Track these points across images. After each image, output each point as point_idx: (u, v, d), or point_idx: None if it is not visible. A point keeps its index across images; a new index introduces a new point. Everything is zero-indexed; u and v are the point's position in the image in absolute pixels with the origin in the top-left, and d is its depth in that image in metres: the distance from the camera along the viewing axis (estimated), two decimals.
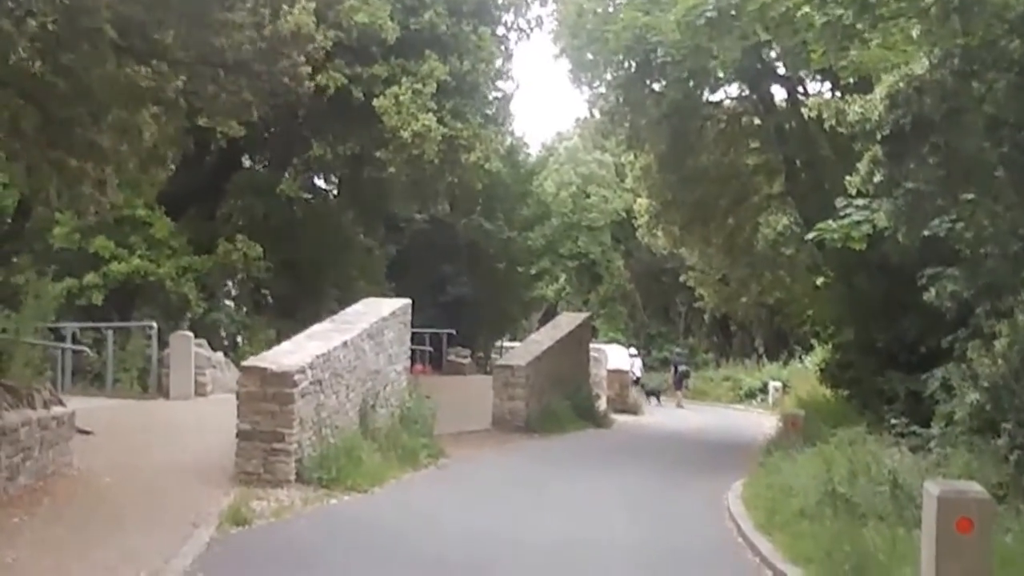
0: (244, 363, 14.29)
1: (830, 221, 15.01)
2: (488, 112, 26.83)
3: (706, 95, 29.64)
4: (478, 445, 21.37)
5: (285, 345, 15.65)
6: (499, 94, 27.78)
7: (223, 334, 25.74)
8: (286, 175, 25.72)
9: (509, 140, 39.65)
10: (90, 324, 22.39)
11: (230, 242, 25.15)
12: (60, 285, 23.08)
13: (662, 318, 58.35)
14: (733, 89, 29.76)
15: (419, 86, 23.19)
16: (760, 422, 32.30)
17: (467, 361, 36.41)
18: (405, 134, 22.76)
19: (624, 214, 52.91)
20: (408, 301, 20.53)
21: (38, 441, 12.33)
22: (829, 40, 12.93)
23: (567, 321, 30.84)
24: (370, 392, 17.36)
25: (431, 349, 33.55)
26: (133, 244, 24.15)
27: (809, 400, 27.39)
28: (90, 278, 23.39)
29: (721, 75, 27.17)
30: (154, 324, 21.79)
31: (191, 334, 21.49)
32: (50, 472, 12.65)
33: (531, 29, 27.47)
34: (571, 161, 56.51)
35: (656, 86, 28.20)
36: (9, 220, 23.22)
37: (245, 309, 28.32)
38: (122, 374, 21.91)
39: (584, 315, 34.42)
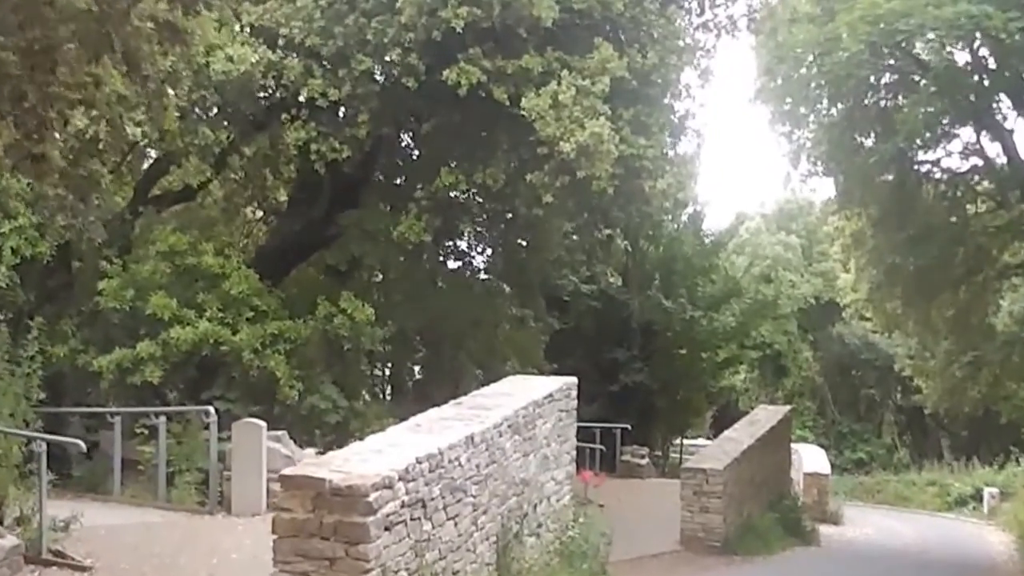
0: (287, 471, 8.84)
1: None
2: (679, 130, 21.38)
3: (925, 155, 28.30)
4: None
5: (370, 441, 10.28)
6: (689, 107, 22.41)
7: (331, 422, 20.73)
8: (405, 214, 20.51)
9: (691, 206, 35.61)
10: (120, 409, 18.10)
11: (332, 302, 20.00)
12: (108, 357, 19.05)
13: (853, 415, 56.03)
14: (955, 144, 28.12)
15: (586, 83, 17.73)
16: (981, 535, 30.41)
17: (644, 462, 32.75)
18: (567, 147, 17.53)
19: (813, 300, 54.07)
20: (573, 380, 15.77)
21: None
22: None
23: (766, 416, 27.53)
24: (514, 514, 12.38)
25: (602, 448, 28.46)
26: (203, 303, 19.39)
27: None
28: (144, 347, 18.82)
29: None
30: (211, 409, 16.65)
31: (262, 423, 16.20)
32: None
33: (733, 26, 22.04)
34: (754, 244, 55.77)
35: (868, 141, 26.97)
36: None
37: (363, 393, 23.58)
38: (179, 477, 17.06)
39: (785, 408, 30.82)
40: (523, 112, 18.12)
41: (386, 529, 8.67)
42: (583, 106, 17.79)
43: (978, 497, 38.96)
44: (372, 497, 8.40)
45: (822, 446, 41.79)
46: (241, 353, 19.19)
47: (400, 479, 8.99)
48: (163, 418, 17.05)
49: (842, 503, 34.53)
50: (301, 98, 19.28)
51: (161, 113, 12.20)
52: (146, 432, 17.71)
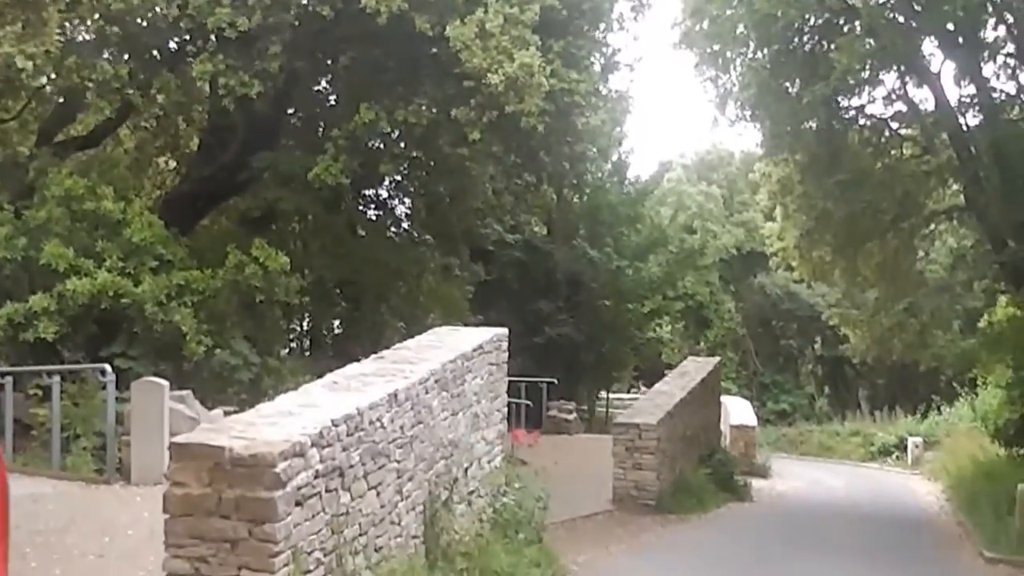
0: (178, 438, 7.50)
1: None
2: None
3: (849, 101, 28.16)
4: (603, 541, 16.44)
5: (280, 402, 8.97)
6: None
7: (243, 380, 19.29)
8: (322, 156, 19.02)
9: (616, 153, 34.64)
10: (8, 369, 16.33)
11: (243, 250, 18.52)
12: None
13: (775, 366, 56.53)
14: (879, 91, 28.14)
15: (514, 11, 16.44)
16: (908, 485, 30.80)
17: (572, 417, 32.25)
18: (494, 79, 16.37)
19: (735, 251, 54.04)
20: (503, 331, 14.37)
21: None
22: None
23: (696, 368, 26.81)
24: (442, 479, 11.07)
25: (528, 403, 27.38)
26: (102, 252, 17.78)
27: (986, 460, 24.62)
28: (37, 300, 17.19)
29: None
30: (107, 367, 15.16)
31: (164, 382, 14.73)
32: None
33: None
34: (677, 193, 55.38)
35: (793, 88, 26.71)
36: None
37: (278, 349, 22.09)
38: (75, 442, 15.51)
39: (714, 360, 30.22)
40: (448, 43, 16.80)
41: (297, 504, 7.39)
42: (511, 36, 16.61)
43: (901, 447, 39.22)
44: (280, 467, 7.10)
45: (745, 398, 41.92)
46: (144, 306, 17.53)
47: (313, 445, 7.69)
48: (57, 377, 15.41)
49: (769, 455, 34.43)
50: (211, 33, 17.80)
51: (41, 29, 10.70)
52: (40, 394, 16.13)
